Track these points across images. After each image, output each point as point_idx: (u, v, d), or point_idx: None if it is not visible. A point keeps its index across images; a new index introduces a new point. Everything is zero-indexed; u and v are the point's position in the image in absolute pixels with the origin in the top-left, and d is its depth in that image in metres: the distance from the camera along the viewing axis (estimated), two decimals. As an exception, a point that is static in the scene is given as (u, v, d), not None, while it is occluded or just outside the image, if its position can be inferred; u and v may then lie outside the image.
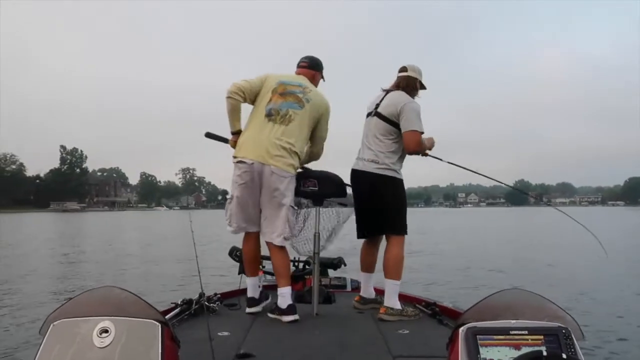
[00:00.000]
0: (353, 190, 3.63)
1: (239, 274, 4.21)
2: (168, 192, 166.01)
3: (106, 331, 1.69)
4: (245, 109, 3.53)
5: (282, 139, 3.34)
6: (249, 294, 3.57)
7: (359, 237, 3.70)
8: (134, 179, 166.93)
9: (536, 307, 1.83)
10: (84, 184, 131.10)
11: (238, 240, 3.77)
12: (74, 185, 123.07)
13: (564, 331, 1.70)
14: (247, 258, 3.58)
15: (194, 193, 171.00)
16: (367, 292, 3.71)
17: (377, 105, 3.58)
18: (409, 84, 3.59)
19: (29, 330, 5.69)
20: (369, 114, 3.67)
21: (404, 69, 3.64)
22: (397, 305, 3.38)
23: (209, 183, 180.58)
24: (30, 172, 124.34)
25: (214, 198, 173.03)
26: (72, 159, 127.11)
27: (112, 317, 1.73)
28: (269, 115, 3.39)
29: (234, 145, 3.51)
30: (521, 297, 1.89)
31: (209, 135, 3.72)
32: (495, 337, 1.70)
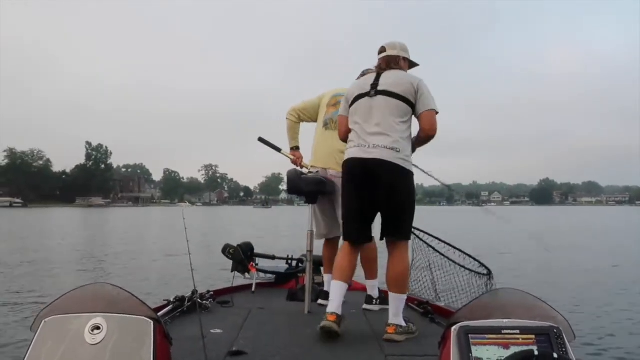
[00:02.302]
0: (357, 183, 3.01)
1: (232, 271, 4.24)
2: (191, 189, 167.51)
3: (98, 328, 1.70)
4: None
5: (338, 144, 3.60)
6: (325, 287, 3.71)
7: (351, 239, 3.12)
8: (157, 175, 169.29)
9: (528, 306, 1.82)
10: (109, 180, 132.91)
11: (232, 239, 3.78)
12: (99, 181, 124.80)
13: (555, 331, 1.69)
14: (326, 259, 3.84)
15: (217, 190, 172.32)
16: (340, 308, 2.93)
17: (375, 85, 3.03)
18: (390, 63, 3.12)
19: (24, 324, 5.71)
20: (362, 95, 3.06)
21: (382, 49, 3.17)
22: (403, 322, 2.93)
23: (232, 180, 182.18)
24: (56, 167, 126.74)
25: (236, 195, 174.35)
26: (97, 155, 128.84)
27: (104, 314, 1.74)
28: (325, 125, 3.84)
29: (294, 160, 3.97)
30: (513, 296, 1.87)
31: (261, 140, 4.07)
32: (487, 336, 1.70)
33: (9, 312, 6.62)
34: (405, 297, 2.99)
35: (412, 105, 2.97)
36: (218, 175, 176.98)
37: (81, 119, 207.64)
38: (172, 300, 3.41)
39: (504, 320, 1.72)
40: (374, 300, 3.64)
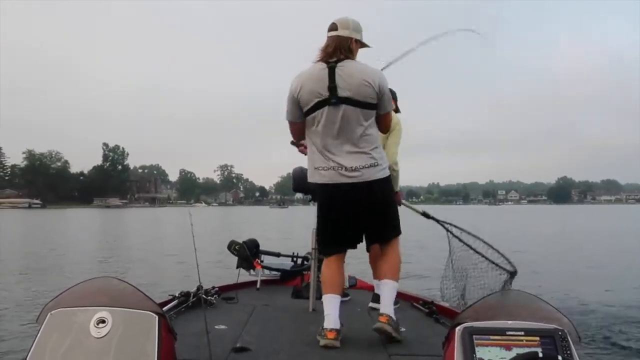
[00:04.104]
0: (340, 208, 2.81)
1: (237, 267, 4.25)
2: (207, 189, 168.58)
3: (103, 321, 1.71)
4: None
5: None
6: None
7: (334, 253, 2.92)
8: (173, 176, 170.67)
9: (533, 308, 1.81)
10: (126, 181, 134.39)
11: (238, 235, 3.77)
12: (115, 182, 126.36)
13: (560, 333, 1.67)
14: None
15: (232, 190, 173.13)
16: (338, 321, 2.77)
17: (334, 89, 2.68)
18: (341, 46, 2.73)
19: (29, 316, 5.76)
20: (321, 103, 2.71)
21: (333, 27, 2.78)
22: (394, 315, 2.80)
23: (247, 180, 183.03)
24: (74, 169, 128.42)
25: (252, 195, 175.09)
26: (114, 156, 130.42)
27: (109, 308, 1.74)
28: None
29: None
30: (518, 298, 1.87)
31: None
32: (491, 337, 1.68)
33: (16, 305, 6.72)
34: (397, 285, 2.89)
35: (375, 106, 2.75)
36: (233, 175, 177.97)
37: (98, 121, 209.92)
38: (177, 295, 3.42)
39: (509, 322, 1.71)
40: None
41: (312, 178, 2.86)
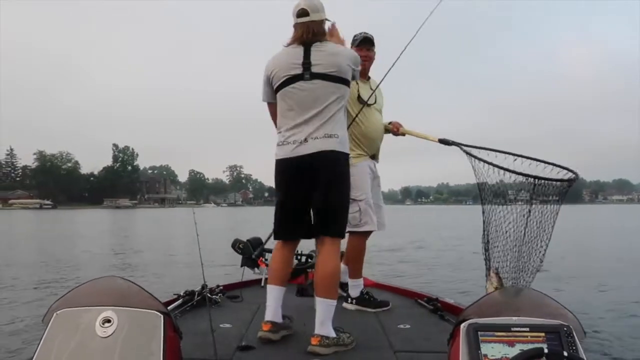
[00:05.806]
0: (292, 182, 2.70)
1: (241, 266, 4.25)
2: (216, 189, 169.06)
3: (109, 321, 1.72)
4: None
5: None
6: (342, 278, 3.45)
7: (284, 237, 2.86)
8: (183, 176, 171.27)
9: (538, 304, 1.81)
10: (135, 181, 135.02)
11: (241, 234, 3.76)
12: (125, 183, 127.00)
13: (565, 329, 1.67)
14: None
15: (241, 190, 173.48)
16: (279, 314, 2.77)
17: (307, 65, 2.63)
18: (318, 32, 2.69)
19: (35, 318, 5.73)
20: (293, 78, 2.65)
21: (304, 12, 2.69)
22: (332, 332, 2.60)
23: (256, 180, 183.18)
24: (84, 169, 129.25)
25: (261, 195, 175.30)
26: (123, 156, 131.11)
27: (114, 307, 1.75)
28: None
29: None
30: (523, 294, 1.87)
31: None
32: (496, 333, 1.68)
33: (23, 304, 6.74)
34: (334, 303, 2.66)
35: (348, 83, 2.70)
36: (242, 176, 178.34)
37: (107, 122, 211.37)
38: (182, 294, 3.45)
39: (514, 318, 1.71)
40: (350, 300, 3.59)
41: (276, 155, 2.76)
